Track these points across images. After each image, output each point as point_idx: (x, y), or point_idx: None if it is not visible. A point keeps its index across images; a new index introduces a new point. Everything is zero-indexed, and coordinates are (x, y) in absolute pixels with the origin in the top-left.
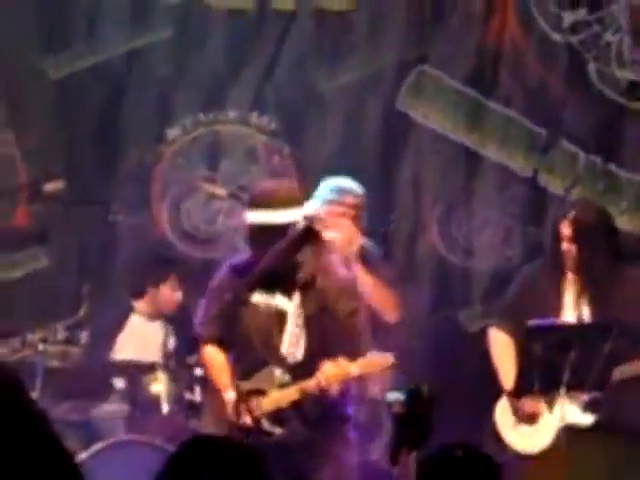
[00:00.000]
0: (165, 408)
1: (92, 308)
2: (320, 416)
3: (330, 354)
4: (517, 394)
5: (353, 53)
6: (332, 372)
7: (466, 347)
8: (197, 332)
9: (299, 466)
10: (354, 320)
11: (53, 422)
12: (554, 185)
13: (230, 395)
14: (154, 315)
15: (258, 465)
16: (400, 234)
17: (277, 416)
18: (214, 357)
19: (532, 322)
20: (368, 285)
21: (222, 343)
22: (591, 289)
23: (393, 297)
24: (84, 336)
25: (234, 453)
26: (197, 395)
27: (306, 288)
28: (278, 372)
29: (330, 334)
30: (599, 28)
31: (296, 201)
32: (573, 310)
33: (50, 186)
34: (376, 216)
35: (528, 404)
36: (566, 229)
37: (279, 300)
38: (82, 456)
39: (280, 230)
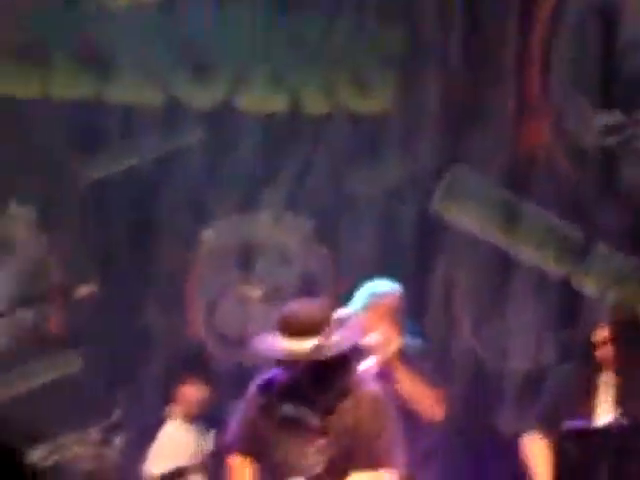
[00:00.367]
0: None
1: (126, 412)
2: None
3: (349, 470)
4: None
5: (387, 156)
6: None
7: (501, 449)
8: (227, 444)
9: None
10: (378, 440)
11: None
12: (589, 288)
13: None
14: (186, 417)
15: None
16: (432, 336)
17: None
18: (241, 469)
19: (568, 424)
20: (408, 384)
21: (250, 458)
22: (628, 389)
23: (435, 395)
24: (118, 440)
25: None
26: None
27: (332, 408)
28: None
29: (352, 452)
30: (632, 131)
31: (316, 329)
32: (609, 412)
33: (83, 290)
34: (410, 318)
35: None
36: (603, 332)
37: (305, 415)
38: None
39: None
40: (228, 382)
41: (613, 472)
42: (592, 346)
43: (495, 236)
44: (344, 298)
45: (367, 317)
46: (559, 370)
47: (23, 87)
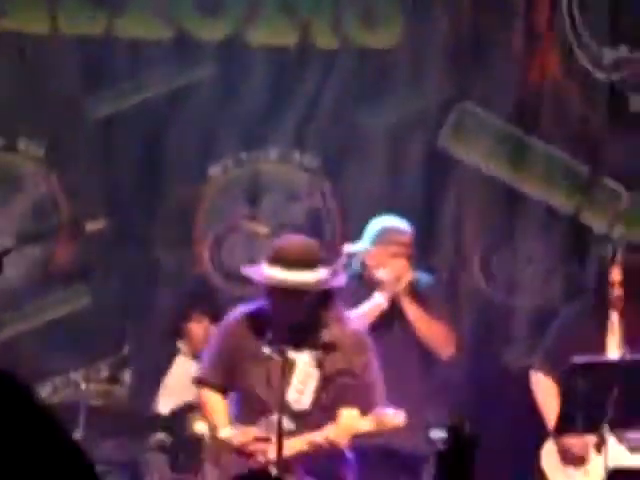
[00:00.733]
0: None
1: (135, 347)
2: (323, 462)
3: (338, 406)
4: (559, 431)
5: (395, 91)
6: (342, 427)
7: (508, 384)
8: (199, 376)
9: None
10: (365, 375)
11: (97, 461)
12: (597, 223)
13: (227, 432)
14: (194, 354)
15: None
16: (442, 272)
17: (282, 463)
18: (212, 399)
19: (577, 359)
20: (419, 319)
21: (222, 389)
22: (636, 330)
23: (446, 331)
24: (127, 375)
25: None
26: None
27: (317, 343)
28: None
29: (340, 388)
30: None
31: (315, 263)
32: (616, 350)
33: (92, 225)
34: (417, 254)
35: (575, 445)
36: (616, 275)
37: (288, 350)
38: None
39: (295, 289)
40: None
41: (619, 406)
42: (607, 287)
43: (503, 172)
44: (351, 235)
45: (376, 253)
46: (566, 310)
47: (32, 23)
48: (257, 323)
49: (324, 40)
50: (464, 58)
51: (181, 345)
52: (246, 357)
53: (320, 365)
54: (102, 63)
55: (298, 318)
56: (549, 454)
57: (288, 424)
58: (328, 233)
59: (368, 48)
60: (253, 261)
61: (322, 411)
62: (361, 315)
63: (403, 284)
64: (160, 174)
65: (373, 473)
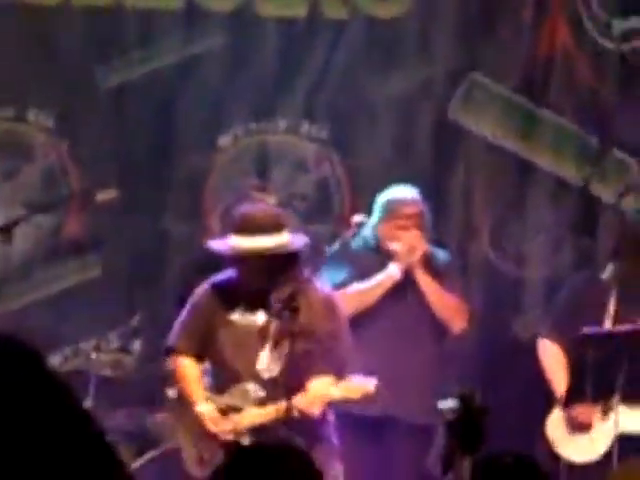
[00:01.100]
0: None
1: (145, 317)
2: (301, 425)
3: (308, 373)
4: (568, 401)
5: (404, 62)
6: (312, 394)
7: (518, 354)
8: (171, 344)
9: None
10: (335, 341)
11: (107, 431)
12: (606, 194)
13: (204, 408)
14: None
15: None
16: (451, 242)
17: (255, 430)
18: (188, 370)
19: (587, 329)
20: (432, 292)
21: (196, 357)
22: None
23: (460, 305)
24: (137, 345)
25: (289, 461)
26: None
27: (286, 308)
28: (252, 388)
29: (310, 354)
30: None
31: (278, 227)
32: (623, 321)
33: (102, 195)
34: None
35: (582, 413)
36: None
37: (257, 317)
38: (136, 464)
39: (261, 255)
40: None
41: (628, 376)
42: (616, 258)
43: (512, 143)
44: (360, 205)
45: (385, 227)
46: (574, 278)
47: None
48: (226, 292)
49: (333, 10)
50: (473, 28)
51: None
52: (217, 326)
53: (289, 331)
54: (112, 33)
55: (265, 283)
56: (555, 422)
57: (259, 392)
58: (337, 204)
59: (377, 18)
60: None
61: (292, 378)
62: (375, 285)
63: (417, 255)
64: (170, 144)
65: (383, 443)
